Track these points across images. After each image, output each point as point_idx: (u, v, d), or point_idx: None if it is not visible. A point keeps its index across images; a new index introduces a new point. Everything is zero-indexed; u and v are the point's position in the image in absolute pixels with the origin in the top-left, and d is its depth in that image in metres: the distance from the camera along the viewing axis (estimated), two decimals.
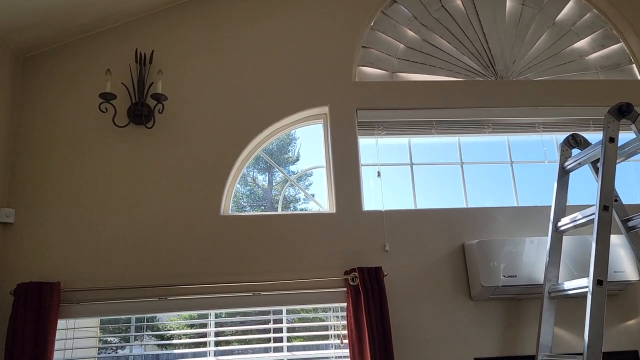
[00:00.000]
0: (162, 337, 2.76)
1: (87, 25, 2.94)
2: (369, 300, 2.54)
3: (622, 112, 2.25)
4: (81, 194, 2.73)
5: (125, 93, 2.89)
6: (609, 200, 2.13)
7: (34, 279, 2.57)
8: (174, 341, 2.75)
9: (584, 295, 2.21)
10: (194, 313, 2.74)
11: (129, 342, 2.69)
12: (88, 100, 2.88)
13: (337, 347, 2.67)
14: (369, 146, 3.07)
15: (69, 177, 2.75)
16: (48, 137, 2.81)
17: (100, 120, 2.85)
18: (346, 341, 2.63)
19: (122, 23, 3.04)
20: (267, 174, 3.10)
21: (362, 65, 3.17)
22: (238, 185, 2.97)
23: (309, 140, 3.13)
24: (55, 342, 2.44)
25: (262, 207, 3.08)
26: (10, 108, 2.77)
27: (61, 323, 2.56)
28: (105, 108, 2.85)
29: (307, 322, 2.79)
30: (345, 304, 2.66)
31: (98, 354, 2.66)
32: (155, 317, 2.73)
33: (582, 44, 3.38)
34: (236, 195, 2.97)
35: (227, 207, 2.87)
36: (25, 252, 2.62)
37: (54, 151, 2.79)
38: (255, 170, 3.09)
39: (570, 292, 2.28)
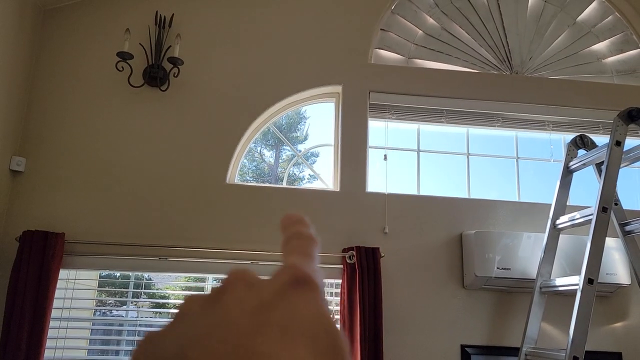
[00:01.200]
0: (159, 299, 2.83)
1: None
2: (364, 280, 2.60)
3: (632, 117, 2.27)
4: (92, 148, 2.78)
5: (143, 54, 2.91)
6: (608, 202, 2.16)
7: (40, 228, 2.63)
8: (171, 301, 2.82)
9: (574, 292, 2.25)
10: (191, 276, 2.81)
11: (125, 304, 2.76)
12: (105, 58, 2.91)
13: None
14: (378, 129, 3.09)
15: (81, 131, 2.80)
16: (63, 90, 2.84)
17: (115, 79, 2.89)
18: (338, 317, 2.70)
19: None
20: (274, 150, 3.14)
21: (379, 48, 3.18)
22: (245, 160, 3.01)
23: (318, 121, 3.15)
24: (56, 290, 2.52)
25: (267, 184, 3.12)
26: (29, 58, 2.80)
27: (63, 273, 2.63)
28: (122, 67, 2.88)
29: None
30: (340, 281, 2.72)
31: (94, 314, 2.74)
32: (152, 282, 2.80)
33: (600, 46, 3.37)
34: (242, 170, 3.01)
35: (233, 176, 2.91)
36: (33, 200, 2.68)
37: (68, 104, 2.83)
38: (263, 146, 3.12)
39: (561, 288, 2.33)
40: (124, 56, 2.72)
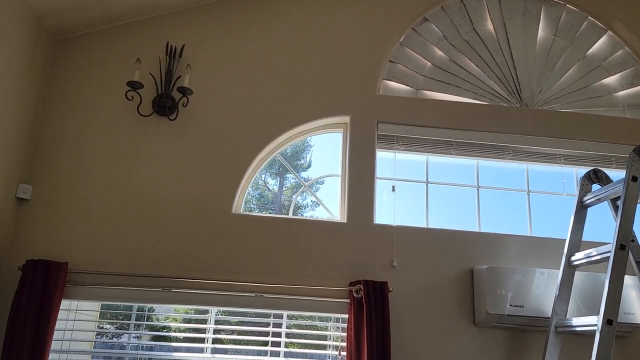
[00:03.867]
0: (160, 330, 2.76)
1: (122, 14, 2.99)
2: (372, 315, 2.52)
3: None
4: (98, 177, 2.76)
5: (153, 84, 2.93)
6: (626, 239, 2.09)
7: (43, 257, 2.59)
8: (172, 333, 2.75)
9: (592, 333, 2.17)
10: (194, 308, 2.74)
11: (127, 334, 2.69)
12: (115, 87, 2.92)
13: (334, 358, 2.65)
14: (386, 160, 3.06)
15: (89, 159, 2.79)
16: (73, 118, 2.85)
17: (125, 108, 2.89)
18: (344, 353, 2.61)
19: (157, 15, 3.09)
20: (278, 178, 3.11)
21: (387, 79, 3.18)
22: (249, 188, 2.98)
23: (322, 149, 3.13)
24: (57, 321, 2.46)
25: (271, 211, 3.08)
26: (40, 87, 2.82)
27: (64, 303, 2.57)
28: (132, 96, 2.89)
29: (307, 329, 2.77)
30: (346, 316, 2.64)
31: (94, 346, 2.67)
32: (154, 309, 2.74)
33: (611, 80, 3.35)
34: (246, 198, 2.98)
35: (239, 206, 2.88)
36: (39, 229, 2.65)
37: (77, 132, 2.83)
38: (267, 174, 3.10)
39: (577, 328, 2.24)
40: (134, 85, 2.73)
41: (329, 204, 3.01)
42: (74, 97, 2.89)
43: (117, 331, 2.77)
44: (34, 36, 2.71)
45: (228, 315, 2.76)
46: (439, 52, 3.27)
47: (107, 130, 2.85)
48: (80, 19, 2.90)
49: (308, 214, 3.05)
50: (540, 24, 3.39)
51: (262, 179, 3.08)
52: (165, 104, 2.85)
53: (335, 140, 3.11)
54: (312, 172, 3.10)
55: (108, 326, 2.85)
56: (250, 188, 2.99)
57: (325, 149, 3.13)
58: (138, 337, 2.69)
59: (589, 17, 3.45)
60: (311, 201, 3.06)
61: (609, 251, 2.12)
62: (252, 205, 3.06)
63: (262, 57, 3.09)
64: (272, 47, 3.12)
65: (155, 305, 2.72)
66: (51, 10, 2.74)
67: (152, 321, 2.74)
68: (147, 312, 2.70)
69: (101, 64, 2.97)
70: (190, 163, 2.84)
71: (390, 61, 3.22)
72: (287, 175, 3.10)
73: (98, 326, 2.81)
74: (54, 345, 2.50)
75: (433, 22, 3.32)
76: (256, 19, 3.17)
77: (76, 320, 2.61)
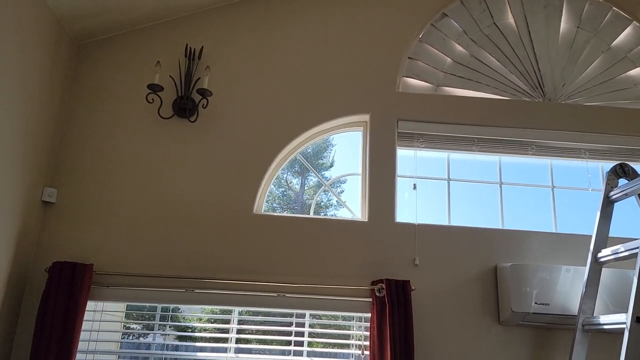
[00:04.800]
0: (184, 330, 2.79)
1: (142, 18, 3.03)
2: (394, 314, 2.50)
3: None
4: (121, 179, 2.80)
5: (173, 86, 2.96)
6: None
7: (69, 259, 2.64)
8: (197, 333, 2.77)
9: (620, 331, 2.12)
10: (217, 308, 2.76)
11: (151, 335, 2.72)
12: (136, 90, 2.96)
13: (357, 357, 2.64)
14: (406, 157, 3.04)
15: (112, 162, 2.83)
16: (96, 121, 2.89)
17: (146, 110, 2.93)
18: (367, 352, 2.60)
19: (175, 18, 3.12)
20: (300, 177, 3.12)
21: (406, 76, 3.15)
22: (272, 187, 2.99)
23: (344, 148, 3.13)
24: (83, 322, 2.50)
25: (294, 210, 3.09)
26: (62, 91, 2.87)
27: (90, 305, 2.62)
28: (152, 99, 2.92)
29: (329, 329, 2.77)
30: (369, 315, 2.63)
31: (120, 346, 2.71)
32: (179, 309, 2.77)
33: (637, 72, 3.27)
34: (269, 196, 2.99)
35: (260, 206, 2.89)
36: (64, 231, 2.70)
37: (100, 136, 2.87)
38: (289, 173, 3.11)
39: (605, 326, 2.19)
40: (154, 88, 2.76)
41: (350, 203, 3.00)
42: (97, 101, 2.93)
43: (142, 331, 2.81)
44: (55, 41, 2.76)
45: (251, 315, 2.77)
46: (459, 48, 3.23)
47: (129, 133, 2.89)
48: (101, 24, 2.94)
49: (330, 213, 3.05)
50: (563, 16, 3.32)
51: (285, 178, 3.10)
52: (186, 106, 2.87)
53: (356, 139, 3.10)
54: (334, 171, 3.10)
55: (134, 326, 2.89)
56: (273, 186, 3.00)
57: (346, 147, 3.12)
58: (163, 337, 2.72)
59: (613, 8, 3.36)
60: (336, 201, 3.06)
61: (637, 247, 2.07)
62: (275, 205, 3.08)
63: (281, 57, 3.10)
64: (290, 47, 3.12)
65: (179, 305, 2.75)
66: (72, 16, 2.79)
67: (176, 321, 2.77)
68: (171, 313, 2.73)
69: (122, 67, 3.00)
70: (211, 164, 2.86)
71: (409, 58, 3.19)
72: (309, 174, 3.11)
73: (124, 326, 2.86)
74: (81, 345, 2.55)
75: (452, 17, 3.28)
76: (274, 19, 3.17)
77: (102, 320, 2.65)
